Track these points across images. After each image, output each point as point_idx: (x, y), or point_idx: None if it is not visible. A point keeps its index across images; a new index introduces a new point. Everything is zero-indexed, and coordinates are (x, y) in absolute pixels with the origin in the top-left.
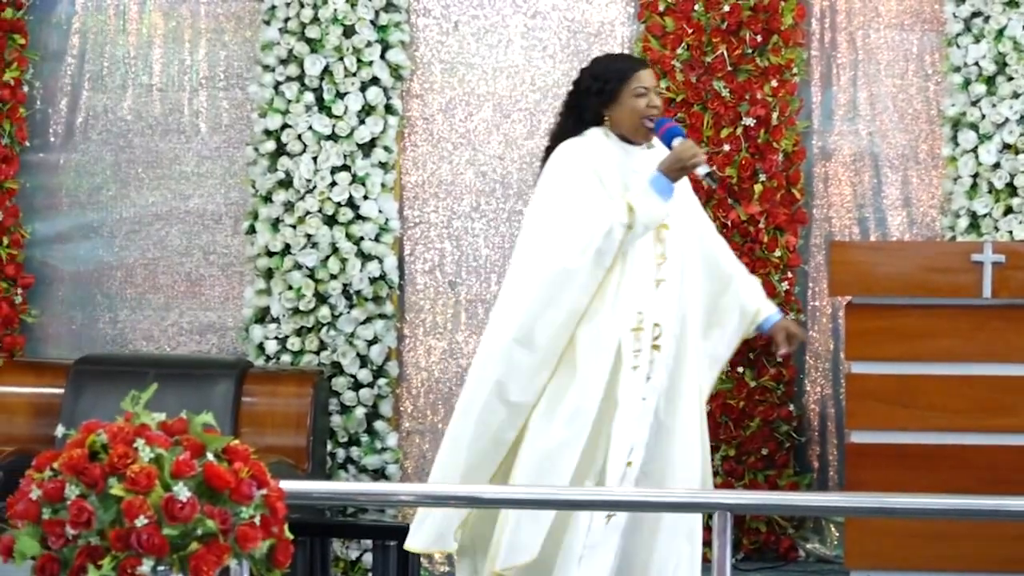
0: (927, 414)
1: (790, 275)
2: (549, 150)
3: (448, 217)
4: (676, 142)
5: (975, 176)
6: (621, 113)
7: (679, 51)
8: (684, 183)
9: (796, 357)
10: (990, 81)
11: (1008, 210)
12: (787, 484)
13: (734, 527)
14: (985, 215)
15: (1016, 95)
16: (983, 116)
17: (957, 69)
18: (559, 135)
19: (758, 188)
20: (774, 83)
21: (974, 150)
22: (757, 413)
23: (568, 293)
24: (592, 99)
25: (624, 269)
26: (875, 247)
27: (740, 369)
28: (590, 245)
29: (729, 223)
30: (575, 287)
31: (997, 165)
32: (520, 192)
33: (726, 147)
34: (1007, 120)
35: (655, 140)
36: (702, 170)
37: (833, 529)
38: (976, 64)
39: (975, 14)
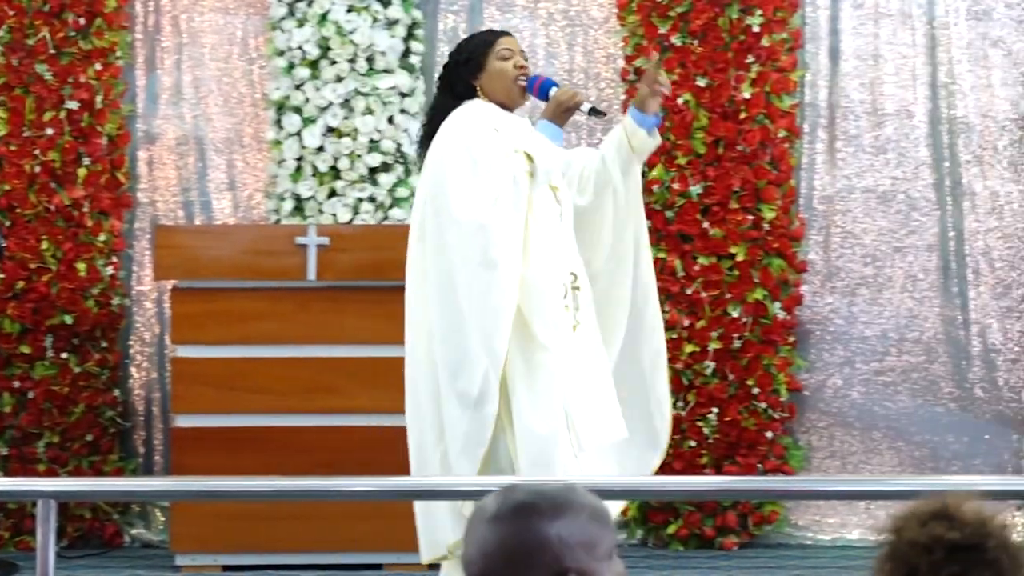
0: (255, 397)
1: (115, 259)
2: (427, 128)
3: None
4: (553, 91)
5: (299, 159)
6: (491, 80)
7: (0, 33)
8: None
9: (120, 342)
10: (314, 65)
11: (332, 193)
12: (113, 470)
13: (59, 514)
14: (309, 198)
15: (339, 79)
16: (307, 100)
17: (281, 53)
18: (436, 113)
19: (82, 172)
20: (98, 66)
21: (298, 133)
22: (82, 399)
23: (492, 248)
24: (461, 71)
25: (542, 227)
26: (200, 231)
27: (64, 355)
28: (500, 197)
29: (53, 208)
30: (495, 240)
31: (321, 148)
32: None
33: (49, 131)
34: (331, 104)
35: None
36: (585, 107)
37: (159, 514)
38: (300, 48)
39: None
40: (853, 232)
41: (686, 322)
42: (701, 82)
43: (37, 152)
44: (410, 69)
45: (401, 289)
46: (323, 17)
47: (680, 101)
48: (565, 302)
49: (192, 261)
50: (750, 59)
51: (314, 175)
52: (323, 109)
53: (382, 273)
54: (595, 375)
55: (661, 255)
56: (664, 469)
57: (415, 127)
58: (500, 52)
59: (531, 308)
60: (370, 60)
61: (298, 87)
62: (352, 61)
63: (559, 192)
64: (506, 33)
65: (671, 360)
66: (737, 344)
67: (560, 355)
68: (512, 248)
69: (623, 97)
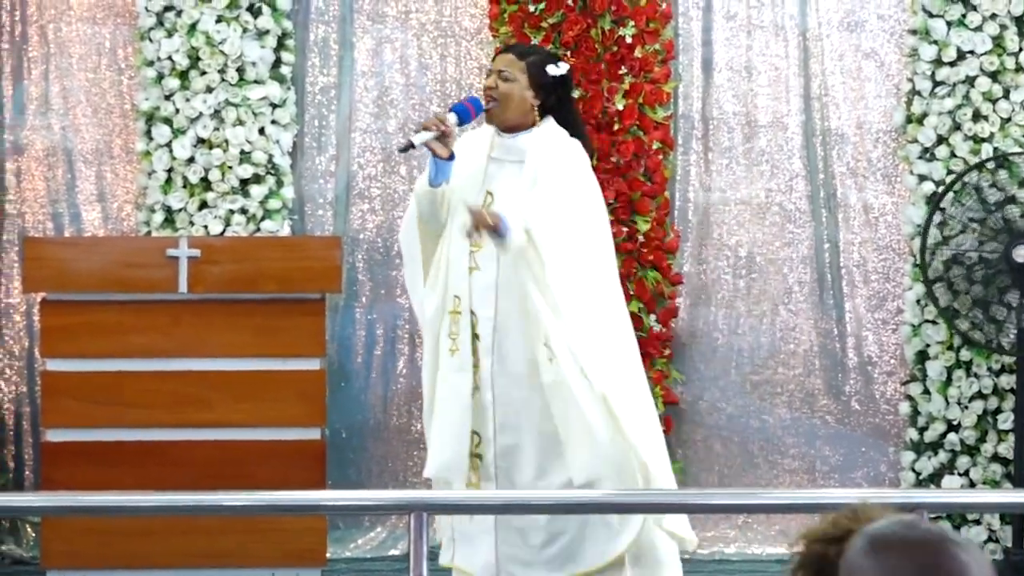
0: (127, 411)
1: None
2: None
3: None
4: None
5: (170, 171)
6: None
7: None
8: (536, 174)
9: None
10: (183, 75)
11: (203, 204)
12: None
13: None
14: (180, 210)
15: (209, 89)
16: (177, 110)
17: (150, 63)
18: None
19: None
20: None
21: (168, 144)
22: None
23: (406, 265)
24: None
25: (445, 252)
26: (70, 243)
27: None
28: (406, 213)
29: None
30: (405, 256)
31: (192, 159)
32: None
33: None
34: (201, 115)
35: (538, 124)
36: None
37: (30, 529)
38: (169, 58)
39: (167, 8)
40: (728, 244)
41: None
42: (574, 93)
43: None
44: (281, 79)
45: (272, 302)
46: (192, 27)
47: None
48: (444, 326)
49: (62, 273)
50: (623, 71)
51: (185, 187)
52: (193, 120)
53: (254, 285)
54: (448, 405)
55: None
56: None
57: (287, 138)
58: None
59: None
60: (240, 71)
61: (168, 98)
62: (222, 71)
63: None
64: (501, 50)
65: None
66: None
67: (427, 377)
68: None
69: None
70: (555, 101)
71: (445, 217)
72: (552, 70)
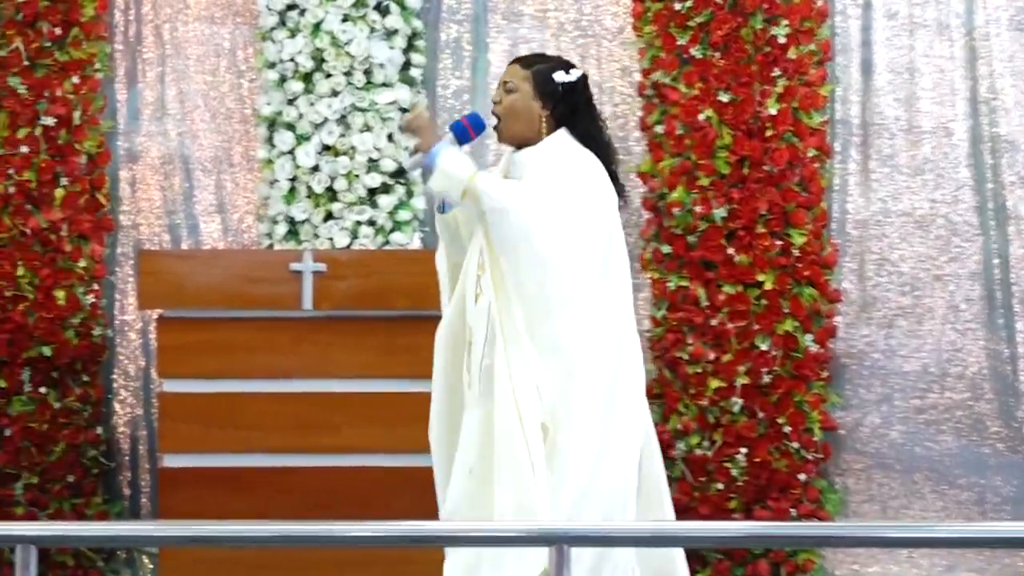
0: (246, 435)
1: (96, 287)
2: None
3: None
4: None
5: (293, 180)
6: None
7: None
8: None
9: (103, 376)
10: (307, 78)
11: (328, 215)
12: (96, 513)
13: (39, 561)
14: (304, 221)
15: (335, 93)
16: (301, 115)
17: (272, 65)
18: None
19: (59, 193)
20: (75, 79)
21: (291, 152)
22: (62, 437)
23: (441, 292)
24: None
25: (461, 280)
26: (187, 256)
27: (43, 390)
28: None
29: (28, 231)
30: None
31: (316, 168)
32: None
33: (24, 148)
34: (326, 120)
35: (544, 140)
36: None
37: (147, 560)
38: (292, 60)
39: (290, 7)
40: (889, 259)
41: (711, 355)
42: (724, 97)
43: (11, 172)
44: (411, 82)
45: (402, 319)
46: (317, 27)
47: (702, 118)
48: (464, 358)
49: (179, 289)
50: (776, 72)
51: (309, 197)
52: (318, 126)
53: (383, 301)
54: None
55: (683, 283)
56: (690, 514)
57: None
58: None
59: None
60: (368, 73)
61: (291, 102)
62: (348, 74)
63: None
64: (512, 61)
65: (696, 396)
66: (766, 379)
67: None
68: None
69: (639, 113)
70: (566, 111)
71: (467, 243)
72: (560, 77)
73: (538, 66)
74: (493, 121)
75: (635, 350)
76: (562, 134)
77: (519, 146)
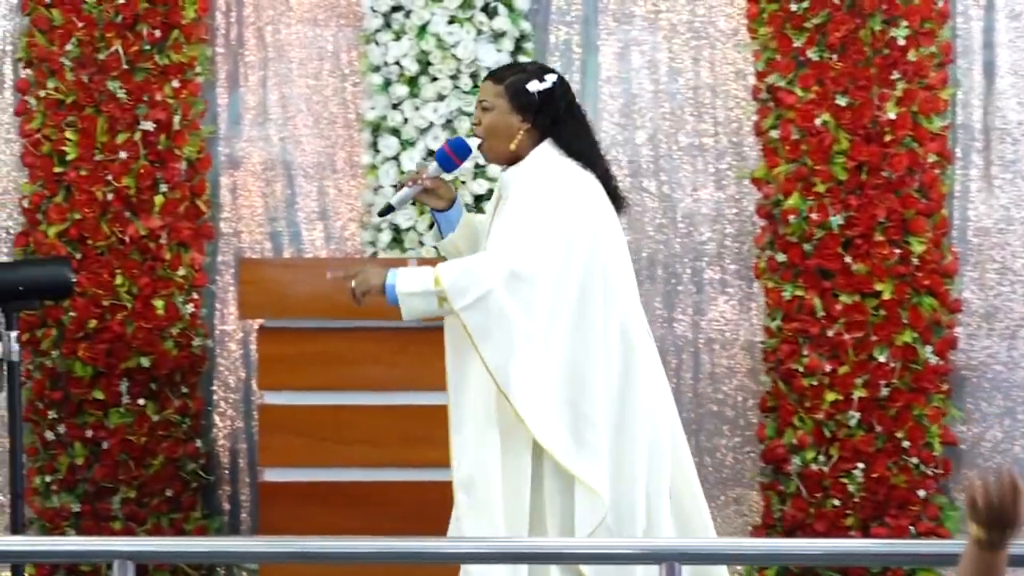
0: (348, 448)
1: (196, 296)
2: None
3: None
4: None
5: (397, 186)
6: None
7: (68, 47)
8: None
9: (202, 387)
10: (413, 82)
11: (433, 223)
12: (195, 528)
13: None
14: (409, 228)
15: (441, 97)
16: (406, 120)
17: (376, 69)
18: None
19: (159, 200)
20: (175, 83)
21: (396, 157)
22: (160, 450)
23: None
24: None
25: None
26: (289, 264)
27: (141, 401)
28: None
29: (127, 239)
30: None
31: None
32: None
33: (122, 154)
34: (432, 125)
35: (528, 156)
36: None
37: None
38: (397, 63)
39: (395, 8)
40: (1012, 268)
41: (827, 367)
42: (841, 101)
43: (109, 178)
44: None
45: None
46: (422, 29)
47: (818, 122)
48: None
49: (281, 298)
50: (895, 75)
51: (414, 204)
52: (423, 130)
53: None
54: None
55: (799, 293)
56: (806, 531)
57: None
58: None
59: None
60: (474, 76)
61: (395, 106)
62: (455, 77)
63: None
64: (485, 77)
65: (811, 409)
66: (884, 392)
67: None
68: None
69: (754, 118)
70: (547, 121)
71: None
72: (534, 86)
73: (510, 79)
74: (476, 142)
75: (649, 382)
76: (546, 148)
77: (509, 163)
